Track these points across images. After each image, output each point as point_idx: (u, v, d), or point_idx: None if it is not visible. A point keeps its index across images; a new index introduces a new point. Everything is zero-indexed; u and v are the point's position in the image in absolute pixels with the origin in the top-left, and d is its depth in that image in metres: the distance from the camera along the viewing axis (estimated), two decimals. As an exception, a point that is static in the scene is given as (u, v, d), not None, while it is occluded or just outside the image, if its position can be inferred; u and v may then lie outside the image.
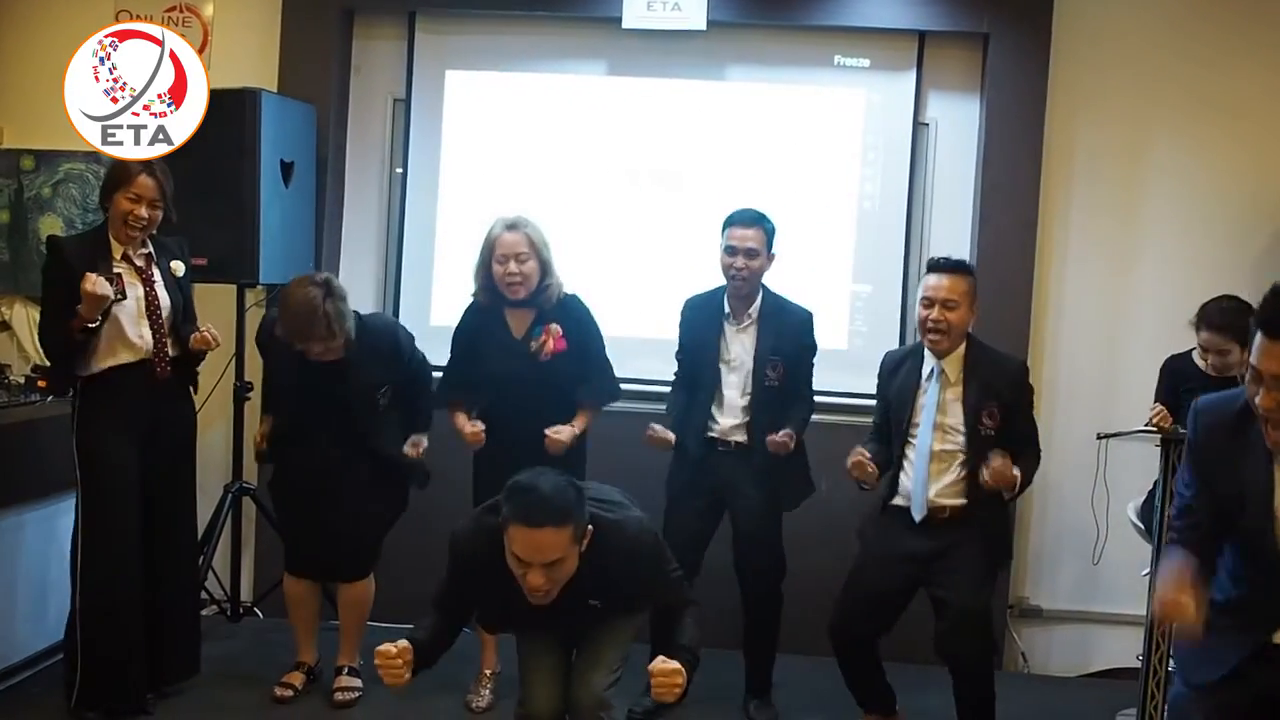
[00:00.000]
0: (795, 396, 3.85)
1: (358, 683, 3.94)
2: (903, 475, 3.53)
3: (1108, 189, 4.67)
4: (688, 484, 3.86)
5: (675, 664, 2.53)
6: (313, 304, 3.56)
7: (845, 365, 4.56)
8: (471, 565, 2.73)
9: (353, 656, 3.97)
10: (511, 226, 3.73)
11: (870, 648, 3.59)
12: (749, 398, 3.81)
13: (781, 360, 3.80)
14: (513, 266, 3.68)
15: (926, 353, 3.56)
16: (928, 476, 3.47)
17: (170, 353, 3.63)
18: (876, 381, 3.73)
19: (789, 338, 3.82)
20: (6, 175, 4.90)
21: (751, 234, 3.77)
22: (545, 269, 3.73)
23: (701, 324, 3.90)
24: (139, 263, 3.61)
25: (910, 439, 3.52)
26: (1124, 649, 4.45)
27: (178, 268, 3.70)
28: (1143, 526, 3.93)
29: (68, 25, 4.77)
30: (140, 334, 3.57)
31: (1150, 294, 4.62)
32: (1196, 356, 3.88)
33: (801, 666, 4.21)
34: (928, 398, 3.52)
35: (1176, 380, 3.89)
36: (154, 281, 3.62)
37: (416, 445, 3.84)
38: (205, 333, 3.65)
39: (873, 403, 3.79)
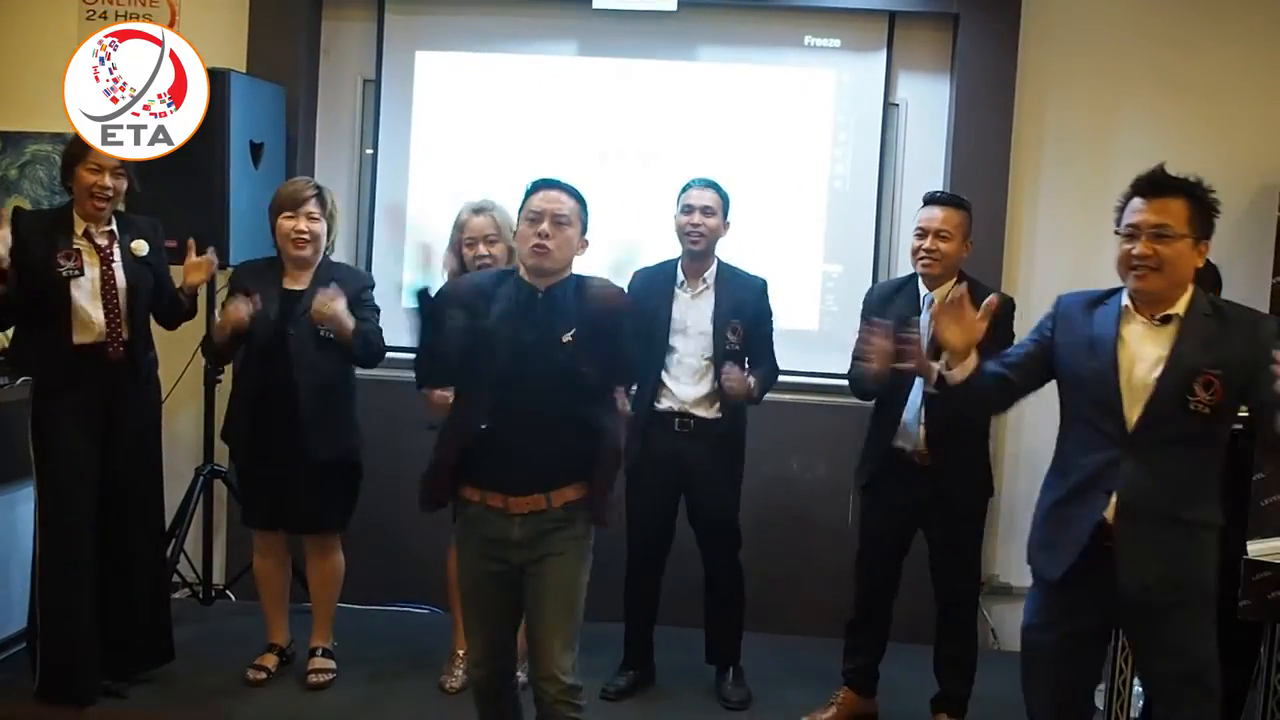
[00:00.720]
0: (759, 363, 3.86)
1: (331, 664, 3.95)
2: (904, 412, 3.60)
3: (1077, 170, 4.70)
4: (643, 458, 3.84)
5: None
6: (306, 180, 3.87)
7: (816, 345, 4.58)
8: (468, 286, 2.97)
9: (326, 637, 3.98)
10: (478, 210, 3.80)
11: (893, 588, 3.73)
12: (709, 363, 3.82)
13: (741, 323, 3.81)
14: (481, 249, 3.76)
15: (920, 285, 3.64)
16: (922, 410, 3.55)
17: (125, 335, 3.59)
18: (861, 311, 3.74)
19: (746, 302, 3.84)
20: (-28, 157, 4.85)
21: (708, 194, 3.85)
22: (513, 251, 3.74)
23: (651, 293, 3.88)
24: (100, 241, 3.58)
25: None
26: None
27: (139, 247, 3.66)
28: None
29: (32, 5, 4.73)
30: (94, 315, 3.54)
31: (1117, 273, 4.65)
32: None
33: (769, 645, 4.25)
34: (923, 328, 3.56)
35: None
36: (113, 261, 3.59)
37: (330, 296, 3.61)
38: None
39: (845, 382, 3.80)
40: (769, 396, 3.93)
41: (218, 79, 4.19)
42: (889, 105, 4.76)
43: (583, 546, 2.88)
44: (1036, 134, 4.69)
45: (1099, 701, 3.93)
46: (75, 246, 3.53)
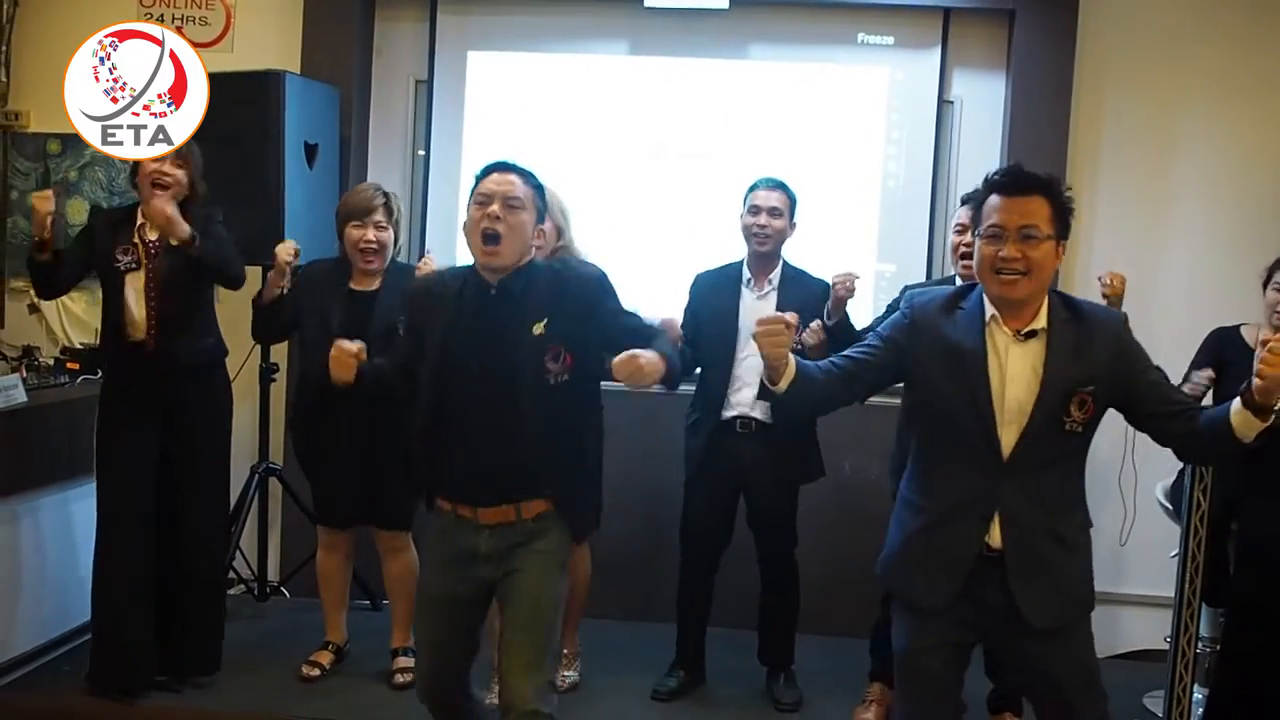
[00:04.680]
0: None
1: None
2: None
3: (1135, 167, 4.63)
4: (707, 462, 3.84)
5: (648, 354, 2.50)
6: (375, 188, 3.87)
7: (869, 345, 4.53)
8: (427, 291, 2.82)
9: (407, 637, 3.95)
10: None
11: None
12: None
13: (804, 325, 3.78)
14: None
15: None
16: None
17: (157, 330, 3.55)
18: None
19: (811, 304, 3.81)
20: (33, 159, 4.94)
21: (775, 195, 3.81)
22: (560, 230, 3.73)
23: (717, 295, 3.87)
24: (152, 236, 3.58)
25: None
26: (1151, 630, 4.42)
27: None
28: (1171, 508, 3.90)
29: (93, 8, 4.79)
30: (140, 312, 3.56)
31: (1176, 275, 4.58)
32: (1245, 331, 3.83)
33: (820, 647, 4.21)
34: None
35: (1220, 348, 3.83)
36: (158, 256, 3.57)
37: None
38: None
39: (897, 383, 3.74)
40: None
41: (272, 80, 4.25)
42: (943, 103, 4.72)
43: (554, 560, 2.72)
44: (1094, 133, 4.62)
45: (1157, 709, 3.90)
46: (135, 241, 3.57)
